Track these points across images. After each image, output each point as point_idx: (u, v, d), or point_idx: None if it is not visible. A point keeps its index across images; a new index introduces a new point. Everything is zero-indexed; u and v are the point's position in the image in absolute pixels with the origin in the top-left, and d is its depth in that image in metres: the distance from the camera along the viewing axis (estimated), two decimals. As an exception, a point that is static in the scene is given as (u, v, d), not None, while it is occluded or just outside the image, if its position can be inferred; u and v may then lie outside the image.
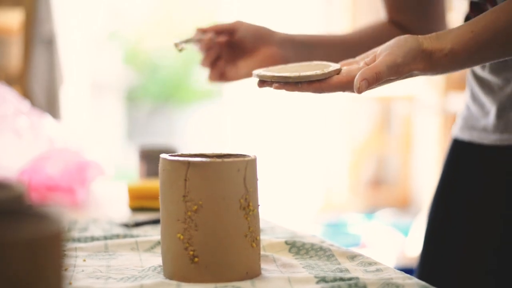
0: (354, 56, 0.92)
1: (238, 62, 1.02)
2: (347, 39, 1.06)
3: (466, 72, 1.09)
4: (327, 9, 3.72)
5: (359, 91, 0.76)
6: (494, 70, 1.00)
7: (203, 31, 1.02)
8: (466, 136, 1.05)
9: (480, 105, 1.04)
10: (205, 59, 1.05)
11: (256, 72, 0.85)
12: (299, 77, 0.79)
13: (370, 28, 1.09)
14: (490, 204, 1.02)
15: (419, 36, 0.80)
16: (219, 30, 1.01)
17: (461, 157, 1.07)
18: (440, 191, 1.09)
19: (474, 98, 1.05)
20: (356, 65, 0.82)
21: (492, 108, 1.00)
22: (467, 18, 1.01)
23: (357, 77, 0.77)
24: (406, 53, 0.77)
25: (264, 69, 0.88)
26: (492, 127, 1.01)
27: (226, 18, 4.06)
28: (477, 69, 1.03)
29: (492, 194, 1.02)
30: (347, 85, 0.79)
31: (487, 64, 0.99)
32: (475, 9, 0.99)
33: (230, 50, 1.03)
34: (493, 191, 1.02)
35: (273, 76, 0.82)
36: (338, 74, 0.81)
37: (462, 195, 1.06)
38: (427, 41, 0.80)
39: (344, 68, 0.82)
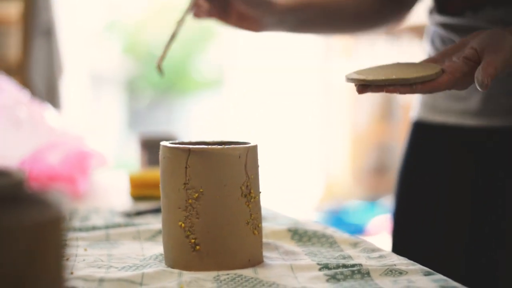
0: (334, 19, 1.03)
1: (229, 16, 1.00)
2: (326, 2, 1.07)
3: (426, 54, 1.10)
4: None
5: (486, 87, 0.76)
6: None
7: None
8: (439, 118, 1.06)
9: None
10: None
11: (360, 76, 0.78)
12: (417, 78, 0.76)
13: None
14: (479, 186, 1.04)
15: (508, 30, 0.81)
16: None
17: (429, 139, 1.09)
18: (404, 176, 1.12)
19: None
20: (457, 61, 0.80)
21: (473, 94, 1.01)
22: (442, 10, 1.01)
23: (480, 74, 0.76)
24: (511, 48, 0.79)
25: (356, 71, 0.81)
26: (477, 111, 1.02)
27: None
28: None
29: (482, 177, 1.03)
30: (454, 83, 0.79)
31: None
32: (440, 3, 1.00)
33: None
34: (483, 174, 1.03)
35: (388, 80, 0.76)
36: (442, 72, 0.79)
37: (429, 177, 1.08)
38: None
39: (444, 66, 0.81)
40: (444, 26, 1.04)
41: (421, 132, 1.11)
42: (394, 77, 0.76)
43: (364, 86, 0.79)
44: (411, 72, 0.77)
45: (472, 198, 1.04)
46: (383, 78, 0.76)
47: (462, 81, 0.79)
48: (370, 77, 0.77)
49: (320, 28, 1.10)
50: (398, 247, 1.11)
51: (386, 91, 0.77)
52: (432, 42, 1.09)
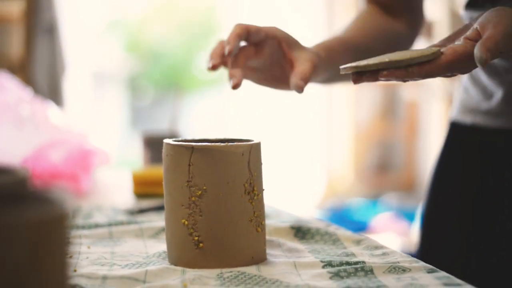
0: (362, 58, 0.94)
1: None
2: (356, 41, 1.01)
3: None
4: (328, 10, 3.70)
5: (485, 63, 0.71)
6: None
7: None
8: (468, 119, 1.06)
9: (482, 88, 1.04)
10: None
11: (353, 64, 0.74)
12: (411, 59, 0.71)
13: (364, 23, 1.06)
14: (489, 186, 1.03)
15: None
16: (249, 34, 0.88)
17: (462, 140, 1.08)
18: (437, 175, 1.11)
19: (474, 80, 1.05)
20: (458, 43, 0.76)
21: (497, 91, 1.00)
22: (470, 4, 1.00)
23: (478, 49, 0.71)
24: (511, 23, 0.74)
25: (355, 63, 0.76)
26: (498, 110, 1.01)
27: (225, 7, 4.04)
28: None
29: (492, 177, 1.03)
30: (456, 65, 0.74)
31: None
32: None
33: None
34: (493, 174, 1.03)
35: (381, 63, 0.72)
36: (441, 54, 0.74)
37: (461, 178, 1.07)
38: None
39: (443, 49, 0.76)
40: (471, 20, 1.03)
41: (453, 132, 1.11)
42: (387, 60, 0.73)
43: (359, 74, 0.75)
44: (406, 54, 0.74)
45: (482, 198, 1.04)
46: (376, 62, 0.73)
47: (463, 63, 0.74)
48: (362, 63, 0.74)
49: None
50: (424, 244, 1.10)
51: (381, 77, 0.74)
52: None
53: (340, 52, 0.96)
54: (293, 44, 0.91)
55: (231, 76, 0.88)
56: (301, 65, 0.87)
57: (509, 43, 0.73)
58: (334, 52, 0.95)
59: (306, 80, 0.85)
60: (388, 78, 0.74)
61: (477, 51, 0.71)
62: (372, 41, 1.03)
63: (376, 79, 0.75)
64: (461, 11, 1.04)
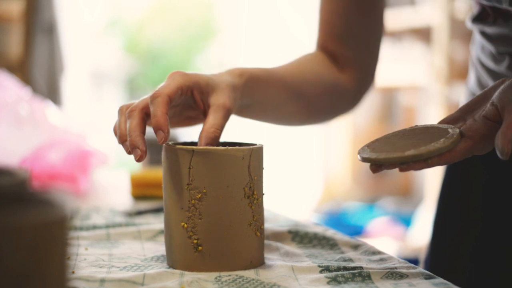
0: (295, 92, 0.93)
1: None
2: (289, 79, 0.96)
3: (470, 59, 1.09)
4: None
5: (507, 155, 0.66)
6: None
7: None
8: None
9: None
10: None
11: (372, 156, 0.73)
12: (431, 152, 0.70)
13: (302, 64, 1.02)
14: (500, 191, 1.02)
15: None
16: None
17: None
18: (448, 179, 1.09)
19: (482, 85, 1.04)
20: (477, 121, 0.73)
21: None
22: (479, 17, 1.00)
23: (500, 140, 0.67)
24: None
25: (369, 146, 0.76)
26: None
27: (225, 7, 4.04)
28: (490, 63, 1.02)
29: (502, 181, 1.02)
30: (474, 149, 0.71)
31: (506, 60, 0.97)
32: (494, 12, 0.97)
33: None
34: (503, 177, 1.02)
35: (400, 157, 0.71)
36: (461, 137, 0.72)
37: (471, 182, 1.06)
38: None
39: (462, 128, 0.73)
40: (482, 33, 1.03)
41: None
42: (406, 154, 0.71)
43: (377, 165, 0.74)
44: (425, 143, 0.72)
45: (482, 209, 1.03)
46: (395, 156, 0.72)
47: (482, 145, 0.71)
48: (382, 155, 0.73)
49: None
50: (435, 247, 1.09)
51: (400, 170, 0.73)
52: (476, 49, 1.07)
53: (263, 83, 0.90)
54: (204, 88, 0.81)
55: (134, 147, 0.76)
56: (212, 116, 0.77)
57: None
58: (257, 81, 0.89)
59: (218, 131, 0.77)
60: (407, 171, 0.72)
61: (498, 142, 0.67)
62: (306, 83, 0.99)
63: (394, 168, 0.74)
64: (468, 23, 1.03)
